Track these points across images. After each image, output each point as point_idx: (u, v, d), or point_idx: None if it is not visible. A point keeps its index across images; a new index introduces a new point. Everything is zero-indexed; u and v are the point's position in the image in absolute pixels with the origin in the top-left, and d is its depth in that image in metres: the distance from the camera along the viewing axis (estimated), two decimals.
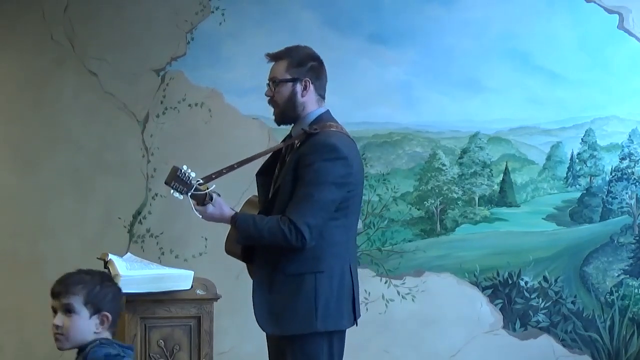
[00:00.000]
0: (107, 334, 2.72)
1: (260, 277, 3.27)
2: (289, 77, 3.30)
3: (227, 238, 3.39)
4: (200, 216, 3.20)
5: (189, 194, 3.14)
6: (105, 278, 2.81)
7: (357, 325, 3.35)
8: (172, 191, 3.15)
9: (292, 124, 3.39)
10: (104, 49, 5.57)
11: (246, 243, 3.26)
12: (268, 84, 3.35)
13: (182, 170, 3.14)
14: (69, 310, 2.72)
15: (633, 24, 5.22)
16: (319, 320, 3.18)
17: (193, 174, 3.15)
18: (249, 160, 3.32)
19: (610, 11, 5.24)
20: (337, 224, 3.23)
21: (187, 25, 5.51)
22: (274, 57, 3.35)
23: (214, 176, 3.21)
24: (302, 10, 5.42)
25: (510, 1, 5.34)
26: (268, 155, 3.46)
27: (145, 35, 5.54)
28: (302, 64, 3.32)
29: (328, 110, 3.38)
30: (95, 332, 2.70)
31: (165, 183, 3.15)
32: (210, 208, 3.19)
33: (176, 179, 3.13)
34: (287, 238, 3.12)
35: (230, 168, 3.25)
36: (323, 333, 3.20)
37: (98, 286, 2.73)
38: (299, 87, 3.31)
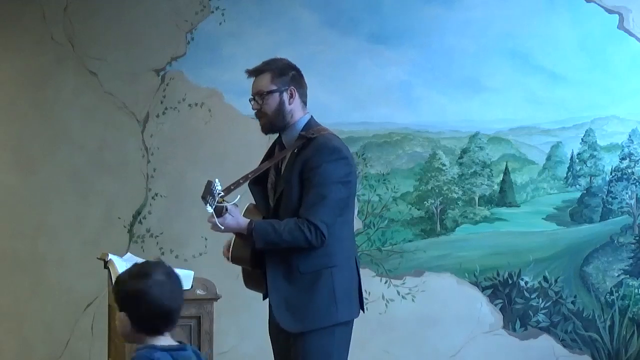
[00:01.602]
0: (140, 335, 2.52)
1: (275, 277, 3.35)
2: (274, 87, 3.39)
3: (233, 246, 3.43)
4: (222, 227, 3.27)
5: (214, 207, 3.22)
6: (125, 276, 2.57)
7: (364, 312, 3.50)
8: (206, 205, 3.22)
9: (279, 133, 3.48)
10: (104, 49, 5.56)
11: (265, 248, 3.32)
12: (253, 99, 3.43)
13: (214, 184, 3.21)
14: None
15: (633, 24, 5.22)
16: (339, 312, 3.32)
17: (219, 188, 3.22)
18: (262, 169, 3.43)
19: (610, 11, 5.24)
20: (342, 220, 3.36)
21: (187, 25, 5.51)
22: (255, 72, 3.45)
23: (232, 187, 3.32)
24: (302, 10, 5.42)
25: (510, 1, 5.34)
26: (259, 164, 3.53)
27: (145, 35, 5.54)
28: (284, 74, 3.42)
29: (312, 116, 3.48)
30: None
31: (202, 197, 3.24)
32: (228, 218, 3.27)
33: (210, 193, 3.22)
34: (307, 238, 3.24)
35: (246, 178, 3.38)
36: (339, 324, 3.34)
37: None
38: (285, 96, 3.40)
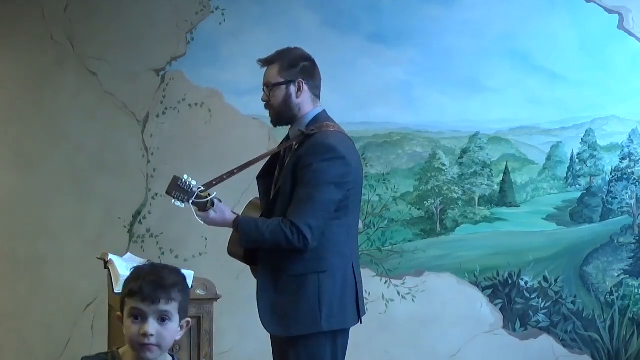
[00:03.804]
0: None
1: (264, 279, 3.30)
2: (282, 80, 3.33)
3: (229, 240, 3.42)
4: (203, 222, 3.25)
5: (190, 201, 3.18)
6: (183, 276, 2.41)
7: (361, 323, 3.39)
8: (173, 200, 3.20)
9: (289, 125, 3.42)
10: (103, 49, 5.56)
11: (249, 246, 3.29)
12: (263, 89, 3.38)
13: (183, 180, 3.19)
14: (166, 318, 2.32)
15: (633, 24, 5.22)
16: (324, 320, 3.21)
17: (194, 182, 3.20)
18: (248, 165, 3.37)
19: (610, 11, 5.24)
20: (339, 223, 3.26)
21: (187, 25, 5.50)
22: (266, 62, 3.39)
23: (214, 182, 3.28)
24: (302, 10, 5.42)
25: (510, 1, 5.34)
26: (267, 158, 3.49)
27: (145, 35, 5.53)
28: (294, 66, 3.35)
29: (324, 110, 3.40)
30: (175, 341, 2.40)
31: (167, 193, 3.21)
32: (212, 214, 3.24)
33: (177, 188, 3.19)
34: (289, 240, 3.15)
35: (231, 173, 3.31)
36: (327, 332, 3.23)
37: (187, 288, 2.38)
38: (292, 89, 3.34)
